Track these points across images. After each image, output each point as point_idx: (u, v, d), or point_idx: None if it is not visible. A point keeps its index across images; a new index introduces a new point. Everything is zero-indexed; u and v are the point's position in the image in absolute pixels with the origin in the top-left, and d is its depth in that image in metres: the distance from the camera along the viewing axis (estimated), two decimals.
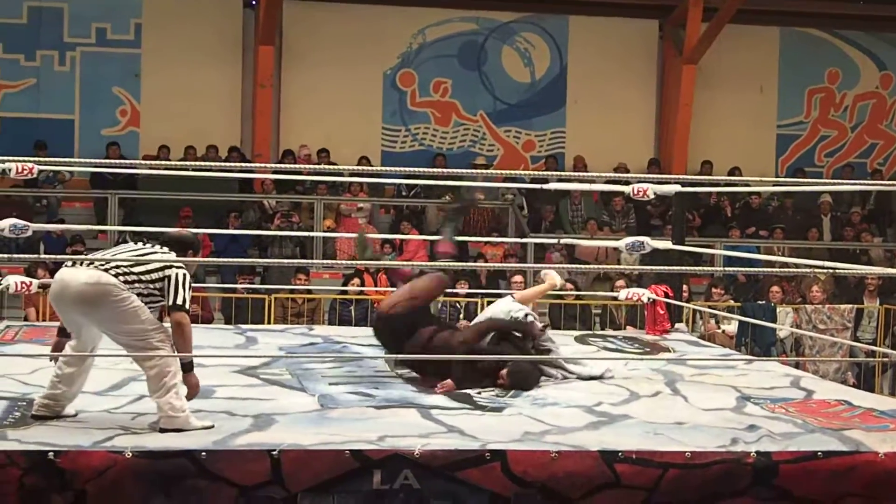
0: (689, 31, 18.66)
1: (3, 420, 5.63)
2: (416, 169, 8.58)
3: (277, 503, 5.08)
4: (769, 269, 13.71)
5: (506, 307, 7.62)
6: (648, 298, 9.63)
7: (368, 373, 7.36)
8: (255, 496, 5.05)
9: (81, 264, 5.72)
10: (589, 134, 19.35)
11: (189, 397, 5.67)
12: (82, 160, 15.41)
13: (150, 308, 5.68)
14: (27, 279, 9.28)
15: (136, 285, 5.62)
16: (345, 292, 13.63)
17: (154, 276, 5.69)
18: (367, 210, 17.44)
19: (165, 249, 5.86)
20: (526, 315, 7.52)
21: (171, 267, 5.74)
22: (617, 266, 15.89)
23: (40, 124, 17.96)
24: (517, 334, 7.42)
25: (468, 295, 13.73)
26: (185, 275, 5.76)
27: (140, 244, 5.94)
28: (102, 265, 5.64)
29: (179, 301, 5.66)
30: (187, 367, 5.67)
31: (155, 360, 5.59)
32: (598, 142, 19.15)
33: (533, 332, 7.44)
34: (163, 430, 5.45)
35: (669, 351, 8.75)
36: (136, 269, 5.66)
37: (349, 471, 5.12)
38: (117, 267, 5.64)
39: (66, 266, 5.79)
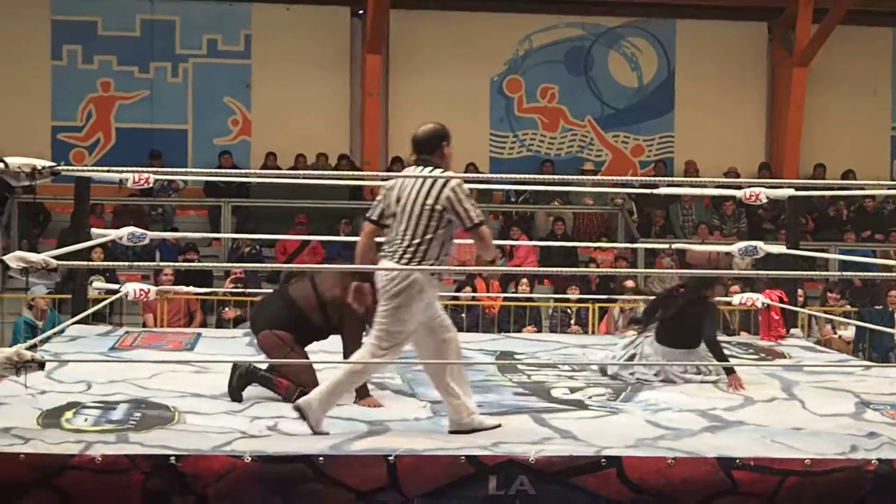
0: (800, 33, 18.36)
1: (125, 422, 5.75)
2: (525, 175, 8.56)
3: None
4: (887, 274, 13.42)
5: None
6: (763, 303, 9.50)
7: (479, 377, 7.38)
8: (371, 501, 5.08)
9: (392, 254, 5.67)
10: (698, 138, 19.14)
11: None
12: (196, 170, 15.64)
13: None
14: (145, 286, 9.49)
15: (432, 240, 5.64)
16: (456, 298, 13.66)
17: (437, 213, 5.61)
18: None
19: (421, 165, 5.81)
20: None
21: (444, 187, 5.64)
22: (729, 271, 15.68)
23: (155, 134, 18.30)
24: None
25: (579, 300, 13.69)
26: (455, 189, 5.64)
27: (415, 170, 5.78)
28: (400, 252, 5.65)
29: (468, 223, 5.62)
30: None
31: (357, 360, 5.70)
32: (708, 146, 18.95)
33: None
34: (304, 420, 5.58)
35: (785, 356, 8.63)
36: (419, 229, 5.64)
37: (465, 476, 5.12)
38: (407, 245, 5.64)
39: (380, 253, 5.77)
